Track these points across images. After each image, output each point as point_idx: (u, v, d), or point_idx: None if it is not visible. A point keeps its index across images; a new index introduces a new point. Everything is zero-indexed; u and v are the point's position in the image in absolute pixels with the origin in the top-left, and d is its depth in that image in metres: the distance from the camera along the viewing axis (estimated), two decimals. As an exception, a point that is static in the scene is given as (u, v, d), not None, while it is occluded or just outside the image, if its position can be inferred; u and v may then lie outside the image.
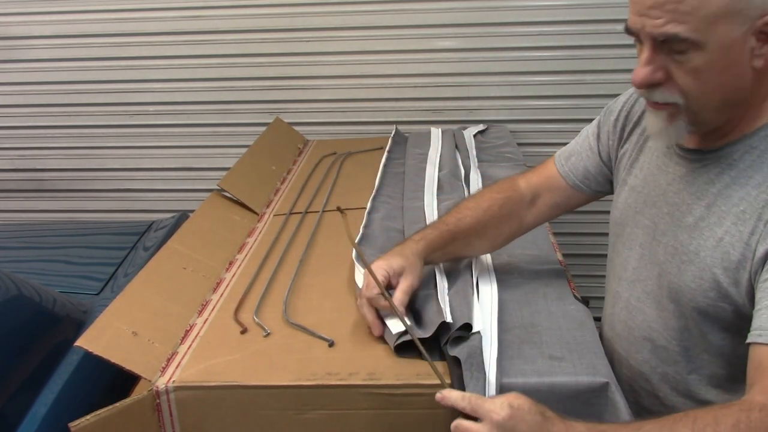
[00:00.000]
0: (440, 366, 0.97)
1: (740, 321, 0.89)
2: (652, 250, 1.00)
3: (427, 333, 1.00)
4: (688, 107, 0.88)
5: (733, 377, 0.93)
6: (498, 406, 0.79)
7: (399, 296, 1.03)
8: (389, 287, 1.05)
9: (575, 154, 1.19)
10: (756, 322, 0.81)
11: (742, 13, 0.80)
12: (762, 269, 0.83)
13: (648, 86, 0.88)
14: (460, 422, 0.81)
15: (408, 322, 0.99)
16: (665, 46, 0.84)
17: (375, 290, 1.02)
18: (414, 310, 1.09)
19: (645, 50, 0.87)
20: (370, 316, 1.04)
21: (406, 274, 1.06)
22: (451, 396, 0.84)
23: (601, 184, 1.17)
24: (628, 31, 0.88)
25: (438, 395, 0.85)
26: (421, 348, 0.94)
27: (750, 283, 0.85)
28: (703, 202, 0.92)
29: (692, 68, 0.84)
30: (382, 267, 1.05)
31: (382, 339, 1.05)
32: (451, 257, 1.19)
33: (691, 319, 0.94)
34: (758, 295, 0.82)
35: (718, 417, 0.75)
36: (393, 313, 1.01)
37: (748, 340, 0.81)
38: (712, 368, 0.95)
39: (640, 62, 0.88)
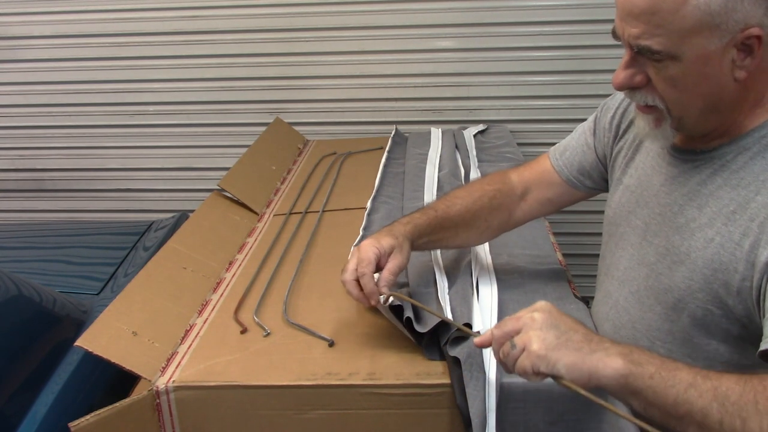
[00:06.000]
0: (440, 366, 0.97)
1: (727, 325, 0.88)
2: (642, 251, 1.00)
3: (424, 328, 1.00)
4: (669, 112, 0.89)
5: None
6: (531, 313, 0.81)
7: (386, 276, 1.02)
8: (378, 268, 1.05)
9: (570, 149, 1.19)
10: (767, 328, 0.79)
11: (721, 27, 0.80)
12: (766, 277, 0.81)
13: (627, 88, 0.90)
14: (505, 346, 0.81)
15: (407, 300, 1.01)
16: (643, 55, 0.86)
17: (367, 268, 1.01)
18: (413, 308, 1.09)
19: (625, 54, 0.88)
20: (356, 291, 1.03)
21: (395, 254, 1.05)
22: (485, 338, 0.85)
23: (596, 181, 1.16)
24: (614, 33, 0.89)
25: (477, 340, 0.86)
26: (420, 306, 0.97)
27: (747, 288, 0.84)
28: (695, 203, 0.92)
29: (669, 77, 0.85)
30: (373, 245, 1.04)
31: (381, 339, 1.05)
32: (439, 245, 1.18)
33: (676, 321, 0.93)
34: (767, 302, 0.80)
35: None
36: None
37: (763, 347, 0.78)
38: None
39: (620, 65, 0.89)
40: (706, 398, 0.72)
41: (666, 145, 0.98)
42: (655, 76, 0.87)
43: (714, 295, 0.88)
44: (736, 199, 0.87)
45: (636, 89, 0.89)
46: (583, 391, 0.76)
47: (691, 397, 0.73)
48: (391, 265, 1.04)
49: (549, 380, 0.92)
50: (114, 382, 1.21)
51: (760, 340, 0.79)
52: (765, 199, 0.84)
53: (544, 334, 0.79)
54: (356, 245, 1.33)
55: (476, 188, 1.20)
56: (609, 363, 0.76)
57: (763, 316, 0.81)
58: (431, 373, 0.96)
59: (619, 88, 0.90)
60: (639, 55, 0.86)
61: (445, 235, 1.16)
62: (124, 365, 0.97)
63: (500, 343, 0.82)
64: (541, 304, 0.83)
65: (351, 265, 1.03)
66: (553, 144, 1.19)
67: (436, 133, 2.05)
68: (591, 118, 1.18)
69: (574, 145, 1.18)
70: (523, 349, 0.79)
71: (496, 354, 0.83)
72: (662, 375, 0.74)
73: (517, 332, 0.81)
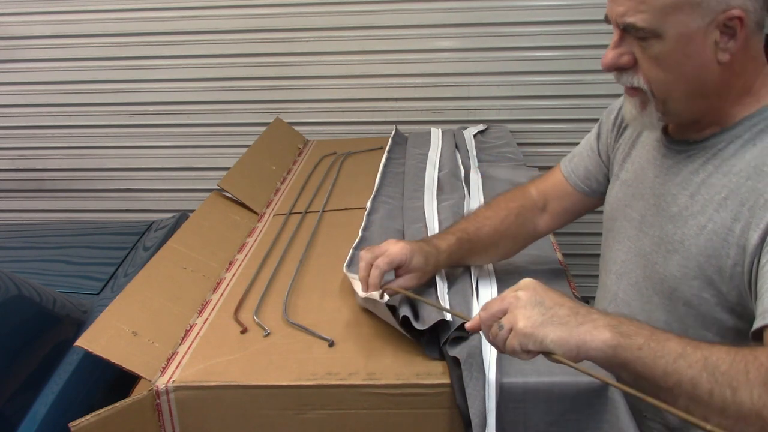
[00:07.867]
0: (440, 366, 0.97)
1: (722, 314, 0.89)
2: (639, 243, 1.01)
3: (423, 326, 1.00)
4: (654, 95, 0.91)
5: None
6: (515, 291, 0.81)
7: (394, 288, 1.05)
8: (390, 267, 1.07)
9: (578, 155, 1.21)
10: (761, 307, 0.78)
11: (702, 5, 0.82)
12: (759, 256, 0.82)
13: (615, 69, 0.92)
14: (493, 328, 0.81)
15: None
16: (629, 33, 0.88)
17: (384, 265, 1.04)
18: (412, 306, 1.09)
19: (614, 34, 0.91)
20: (363, 272, 1.06)
21: (413, 276, 1.08)
22: (474, 322, 0.85)
23: (602, 184, 1.17)
24: (606, 17, 0.92)
25: (467, 325, 0.86)
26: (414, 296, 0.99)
27: (739, 273, 0.85)
28: (687, 192, 0.93)
29: (653, 56, 0.87)
30: (404, 254, 1.06)
31: (381, 339, 1.05)
32: (464, 264, 1.20)
33: (674, 312, 0.94)
34: (760, 282, 0.80)
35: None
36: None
37: (757, 325, 0.78)
38: None
39: (609, 45, 0.91)
40: (696, 368, 0.71)
41: (654, 130, 1.00)
42: (641, 55, 0.89)
43: (708, 282, 0.88)
44: (728, 185, 0.88)
45: (623, 70, 0.91)
46: (574, 365, 0.75)
47: (680, 367, 0.72)
48: (403, 283, 1.07)
49: (548, 380, 0.93)
50: (114, 382, 1.20)
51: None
52: (755, 184, 0.84)
53: (529, 312, 0.78)
54: (355, 248, 1.33)
55: (502, 207, 1.21)
56: (597, 335, 0.74)
57: (755, 297, 0.81)
58: (431, 373, 0.96)
59: (607, 68, 0.92)
60: (626, 33, 0.88)
61: (473, 255, 1.18)
62: (124, 365, 0.97)
63: (488, 325, 0.82)
64: (526, 281, 0.82)
65: (377, 251, 1.06)
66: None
67: (436, 133, 2.05)
68: (597, 123, 1.19)
69: (580, 151, 1.21)
70: (511, 329, 0.79)
71: (486, 336, 0.83)
72: (651, 346, 0.73)
73: (504, 312, 0.80)
